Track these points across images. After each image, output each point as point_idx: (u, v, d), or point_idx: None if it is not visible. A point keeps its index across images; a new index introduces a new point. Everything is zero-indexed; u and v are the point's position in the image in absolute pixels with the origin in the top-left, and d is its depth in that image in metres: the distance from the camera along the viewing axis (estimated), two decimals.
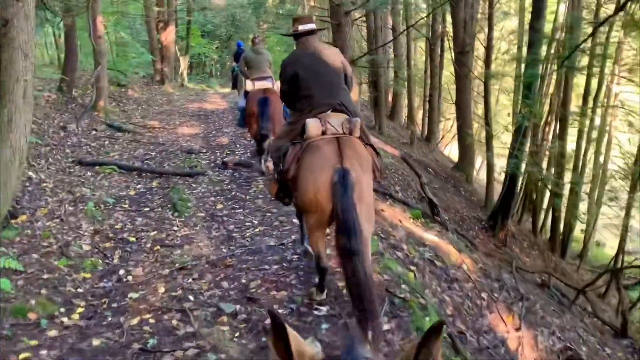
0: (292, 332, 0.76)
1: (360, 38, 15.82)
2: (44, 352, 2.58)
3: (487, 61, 11.89)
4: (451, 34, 12.60)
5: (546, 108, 11.53)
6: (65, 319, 2.89)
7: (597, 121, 12.71)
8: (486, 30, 12.20)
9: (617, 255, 10.56)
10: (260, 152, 6.09)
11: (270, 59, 6.32)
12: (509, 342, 3.35)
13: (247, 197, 5.23)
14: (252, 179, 5.88)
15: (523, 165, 8.64)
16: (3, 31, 3.61)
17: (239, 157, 6.99)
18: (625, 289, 7.77)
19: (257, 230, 4.29)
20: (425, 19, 12.55)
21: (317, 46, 3.04)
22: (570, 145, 11.92)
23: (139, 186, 5.63)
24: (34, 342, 2.64)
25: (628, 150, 11.98)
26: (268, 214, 4.68)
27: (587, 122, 11.75)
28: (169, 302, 3.09)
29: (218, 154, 7.27)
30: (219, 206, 4.99)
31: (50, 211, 4.42)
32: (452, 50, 12.71)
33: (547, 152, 11.59)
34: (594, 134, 12.61)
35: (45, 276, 3.33)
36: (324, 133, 2.76)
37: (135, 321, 2.88)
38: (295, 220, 4.15)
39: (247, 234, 4.22)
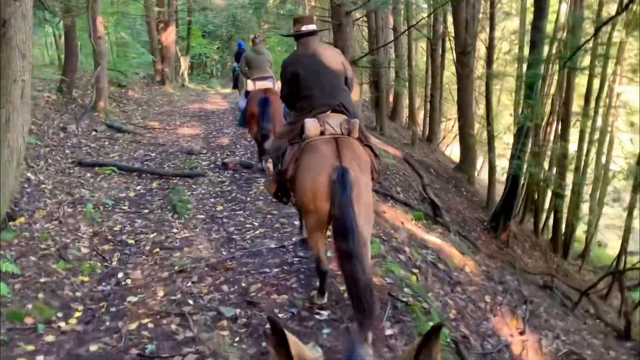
0: (292, 338, 0.77)
1: (361, 38, 15.77)
2: (40, 357, 2.53)
3: (489, 61, 11.84)
4: (452, 34, 12.56)
5: (548, 108, 11.47)
6: (62, 324, 2.85)
7: (599, 121, 12.64)
8: (487, 30, 12.15)
9: (619, 256, 10.50)
10: (261, 152, 6.08)
11: (271, 59, 6.29)
12: (513, 347, 3.30)
13: (248, 199, 5.18)
14: (252, 180, 5.83)
15: (525, 166, 8.59)
16: (1, 31, 3.57)
17: (239, 157, 6.95)
18: (627, 290, 7.72)
19: (257, 232, 4.24)
20: (426, 19, 12.51)
21: (317, 47, 3.03)
22: (572, 145, 11.87)
23: (138, 187, 5.59)
24: (30, 348, 2.60)
25: (630, 150, 11.92)
26: (269, 216, 4.64)
27: (589, 123, 11.69)
28: (168, 306, 3.05)
29: (218, 154, 7.23)
30: (219, 208, 4.95)
31: (48, 213, 4.38)
32: (454, 51, 12.67)
33: (549, 153, 11.55)
34: (596, 135, 12.55)
35: (42, 280, 3.29)
36: (322, 133, 2.76)
37: (133, 326, 2.84)
38: (297, 222, 4.11)
39: (248, 236, 4.17)
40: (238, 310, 2.97)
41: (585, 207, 12.53)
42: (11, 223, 3.94)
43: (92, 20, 8.45)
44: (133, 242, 4.11)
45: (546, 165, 11.41)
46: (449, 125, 20.37)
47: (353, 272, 2.42)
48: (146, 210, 4.85)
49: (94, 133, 7.79)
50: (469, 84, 11.93)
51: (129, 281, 3.41)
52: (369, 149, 2.92)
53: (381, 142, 7.99)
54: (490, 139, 11.09)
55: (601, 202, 12.75)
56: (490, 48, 11.62)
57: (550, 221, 12.34)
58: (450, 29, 13.08)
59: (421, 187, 6.98)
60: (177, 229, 4.37)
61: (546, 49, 9.66)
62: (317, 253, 2.78)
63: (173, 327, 2.83)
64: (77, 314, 2.98)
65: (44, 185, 5.05)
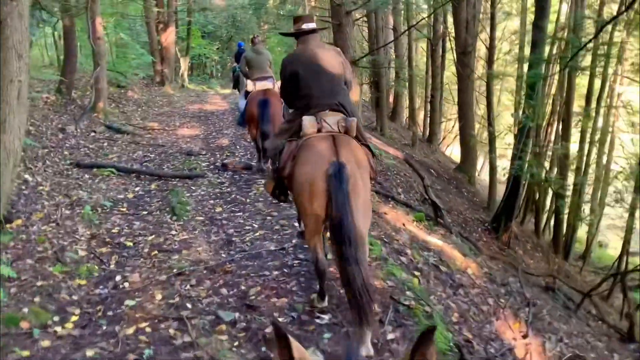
0: (295, 343, 0.79)
1: (361, 38, 15.74)
2: None
3: (490, 61, 11.79)
4: (453, 34, 12.52)
5: (548, 109, 11.43)
6: (58, 328, 2.80)
7: (600, 122, 12.60)
8: (488, 30, 12.11)
9: (620, 256, 10.46)
10: (260, 153, 6.07)
11: (271, 58, 6.27)
12: (517, 350, 3.25)
13: (247, 200, 5.13)
14: (252, 182, 5.79)
15: (526, 166, 8.54)
16: None
17: (239, 158, 6.91)
18: (630, 291, 7.67)
19: (257, 234, 4.19)
20: (426, 19, 12.47)
21: (317, 46, 3.03)
22: (573, 145, 11.82)
23: (137, 189, 5.54)
24: (25, 353, 2.55)
25: (631, 150, 11.87)
26: (268, 218, 4.59)
27: (590, 123, 11.65)
28: (166, 310, 3.00)
29: (218, 155, 7.18)
30: (219, 209, 4.90)
31: (46, 215, 4.33)
32: (454, 51, 12.62)
33: (550, 153, 11.50)
34: (597, 135, 12.51)
35: (39, 283, 3.24)
36: (319, 131, 2.79)
37: (130, 330, 2.79)
38: (297, 224, 4.07)
39: (247, 238, 4.12)
40: (237, 314, 2.92)
41: (586, 208, 12.48)
42: (8, 225, 3.89)
43: (91, 21, 8.40)
44: (131, 244, 4.06)
45: (547, 165, 11.37)
46: (449, 125, 20.32)
47: (348, 269, 2.41)
48: (145, 212, 4.80)
49: (92, 134, 7.74)
50: (470, 84, 11.88)
51: (126, 284, 3.36)
52: (366, 148, 2.93)
53: (382, 142, 7.95)
54: (492, 139, 11.04)
55: (602, 202, 12.70)
56: (491, 48, 11.58)
57: (551, 222, 12.29)
58: (451, 29, 13.04)
59: (422, 188, 6.93)
60: (176, 231, 4.32)
61: (547, 49, 9.61)
62: (314, 251, 2.77)
63: (171, 331, 2.78)
64: (74, 318, 2.93)
65: (41, 187, 5.00)
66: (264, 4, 15.59)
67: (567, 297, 6.82)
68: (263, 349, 2.62)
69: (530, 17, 12.28)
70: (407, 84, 13.62)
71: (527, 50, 12.20)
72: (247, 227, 4.38)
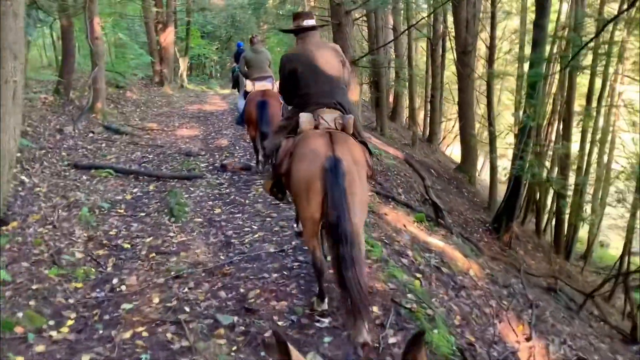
0: (294, 352, 0.81)
1: (361, 38, 15.69)
2: None
3: (490, 60, 11.74)
4: (453, 34, 12.47)
5: (549, 108, 11.38)
6: (54, 333, 2.74)
7: (601, 121, 12.54)
8: (488, 29, 12.06)
9: (622, 256, 10.40)
10: (258, 154, 6.05)
11: (270, 58, 6.23)
12: (520, 353, 3.20)
13: (247, 201, 5.08)
14: (251, 182, 5.73)
15: (527, 166, 8.49)
16: None
17: (238, 159, 6.86)
18: (631, 291, 7.62)
19: (256, 236, 4.14)
20: (426, 18, 12.42)
21: (317, 44, 3.02)
22: (573, 145, 11.77)
23: (135, 190, 5.49)
24: (20, 359, 2.50)
25: (632, 150, 11.82)
26: (268, 219, 4.54)
27: (591, 122, 11.59)
28: (164, 314, 2.94)
29: (217, 156, 7.14)
30: (217, 211, 4.84)
31: (42, 217, 4.28)
32: (454, 50, 12.57)
33: (550, 153, 11.44)
34: (598, 134, 12.45)
35: (34, 286, 3.18)
36: (316, 127, 2.79)
37: (127, 334, 2.73)
38: (295, 225, 4.02)
39: (246, 240, 4.07)
40: (236, 318, 2.86)
41: (587, 208, 12.41)
42: (3, 228, 3.84)
43: (89, 21, 8.35)
44: (129, 246, 4.01)
45: (548, 165, 11.31)
46: (449, 125, 20.27)
47: (344, 267, 2.39)
48: (143, 214, 4.75)
49: (91, 135, 7.69)
50: (470, 84, 11.84)
51: (123, 287, 3.31)
52: (363, 146, 2.92)
53: (382, 142, 7.90)
54: (492, 139, 10.99)
55: (603, 202, 12.64)
56: (491, 47, 11.53)
57: (552, 222, 12.23)
58: (451, 28, 12.99)
59: (423, 189, 6.88)
60: (174, 232, 4.27)
61: (547, 48, 9.55)
62: (313, 250, 2.75)
63: (168, 335, 2.73)
64: (70, 322, 2.88)
65: (38, 189, 4.94)
66: (263, 4, 15.55)
67: (569, 297, 6.78)
68: (262, 353, 2.57)
69: (531, 16, 12.23)
70: (407, 83, 13.57)
71: (527, 50, 12.16)
72: (246, 229, 4.33)
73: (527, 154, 8.09)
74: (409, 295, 3.09)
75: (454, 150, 18.99)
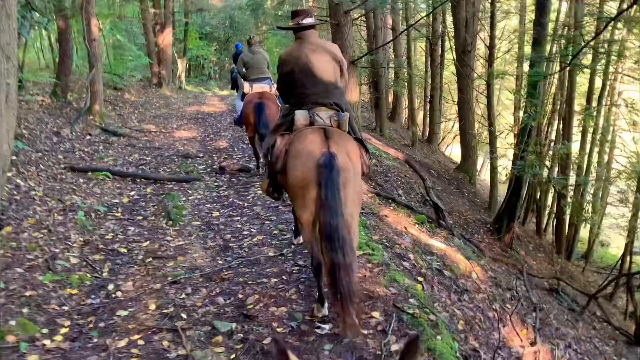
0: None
1: (360, 38, 15.62)
2: None
3: (490, 60, 11.68)
4: (452, 34, 12.40)
5: (549, 107, 11.32)
6: (47, 342, 2.67)
7: (601, 120, 12.49)
8: (487, 28, 12.00)
9: (623, 256, 10.34)
10: (257, 156, 6.00)
11: (268, 59, 6.19)
12: (525, 358, 3.13)
13: (245, 204, 5.01)
14: (250, 185, 5.67)
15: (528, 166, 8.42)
16: None
17: (236, 161, 6.79)
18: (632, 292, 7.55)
19: (255, 239, 4.07)
20: (425, 18, 12.36)
21: (313, 48, 2.97)
22: (573, 145, 11.71)
23: (132, 193, 5.42)
24: None
25: (633, 149, 11.77)
26: (267, 222, 4.47)
27: (592, 122, 11.53)
28: (160, 321, 2.87)
29: (215, 158, 7.07)
30: (216, 214, 4.78)
31: (37, 221, 4.20)
32: (453, 50, 12.51)
33: (550, 153, 11.38)
34: (599, 134, 12.40)
35: (28, 293, 3.11)
36: (311, 124, 2.78)
37: (123, 343, 2.66)
38: (294, 239, 3.95)
39: (245, 244, 4.00)
40: (234, 325, 2.79)
41: (588, 207, 12.35)
42: None
43: (86, 23, 8.28)
44: (125, 250, 3.94)
45: (548, 164, 11.25)
46: (448, 125, 20.22)
47: (334, 263, 2.36)
48: (140, 217, 4.68)
49: (88, 137, 7.62)
50: (470, 84, 11.77)
51: (119, 293, 3.24)
52: (359, 143, 2.91)
53: (382, 144, 7.83)
54: (493, 139, 10.93)
55: (604, 201, 12.58)
56: (491, 47, 11.46)
57: (553, 221, 12.17)
58: (450, 28, 12.93)
59: (423, 190, 6.82)
60: (172, 236, 4.20)
61: (547, 47, 9.49)
62: (310, 247, 2.71)
63: (165, 343, 2.66)
64: (64, 330, 2.81)
65: (34, 192, 4.86)
66: (261, 5, 15.46)
67: (572, 298, 6.71)
68: None
69: (530, 15, 12.19)
70: (406, 84, 13.51)
71: (526, 49, 12.10)
72: (244, 232, 4.26)
73: (528, 154, 8.02)
74: (411, 300, 3.03)
75: (453, 151, 18.94)
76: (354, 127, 2.98)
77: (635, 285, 8.21)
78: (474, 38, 11.48)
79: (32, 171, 5.50)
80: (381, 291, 3.08)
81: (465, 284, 3.85)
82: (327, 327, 2.75)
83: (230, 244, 4.01)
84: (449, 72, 16.17)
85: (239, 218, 4.63)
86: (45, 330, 2.78)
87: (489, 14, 11.64)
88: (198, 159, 7.02)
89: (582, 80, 12.77)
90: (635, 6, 8.49)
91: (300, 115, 2.80)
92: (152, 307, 3.04)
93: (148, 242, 4.07)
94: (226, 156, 7.16)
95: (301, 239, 3.64)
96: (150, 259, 3.75)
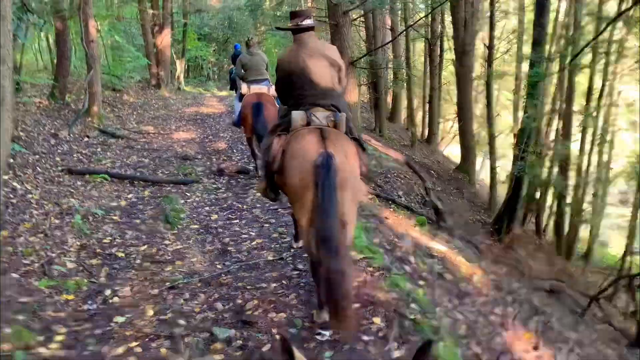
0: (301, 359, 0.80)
1: (359, 39, 15.58)
2: None
3: (489, 60, 11.65)
4: (451, 34, 12.38)
5: (548, 107, 11.30)
6: (42, 350, 2.62)
7: (601, 120, 12.48)
8: (486, 29, 11.97)
9: (624, 256, 10.32)
10: (256, 157, 5.96)
11: (267, 60, 6.15)
12: None
13: (244, 207, 4.97)
14: (249, 187, 5.63)
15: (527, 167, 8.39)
16: None
17: (235, 162, 6.75)
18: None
19: (254, 243, 4.03)
20: (424, 19, 12.33)
21: (312, 49, 2.94)
22: (573, 145, 11.68)
23: (130, 196, 5.38)
24: None
25: (632, 149, 11.76)
26: (266, 225, 4.43)
27: (591, 122, 11.52)
28: (158, 327, 2.83)
29: (214, 159, 7.03)
30: (214, 217, 4.73)
31: (34, 225, 4.15)
32: (453, 50, 12.48)
33: (549, 153, 11.36)
34: (598, 133, 12.38)
35: (23, 299, 3.06)
36: (308, 124, 2.76)
37: (120, 350, 2.61)
38: (294, 242, 3.91)
39: (244, 248, 3.96)
40: (233, 331, 2.75)
41: (588, 207, 12.34)
42: None
43: (84, 24, 8.24)
44: (123, 255, 3.89)
45: (547, 165, 11.23)
46: (447, 125, 20.18)
47: (327, 262, 2.35)
48: (137, 221, 4.63)
49: (86, 139, 7.57)
50: (469, 84, 11.75)
51: (116, 299, 3.19)
52: (357, 142, 2.88)
53: (381, 145, 7.80)
54: (492, 140, 10.90)
55: (603, 202, 12.58)
56: (490, 47, 11.44)
57: (552, 221, 12.15)
58: (449, 28, 12.91)
59: (423, 191, 6.78)
60: (170, 240, 4.16)
61: (547, 47, 9.47)
62: (309, 249, 2.66)
63: (162, 350, 2.61)
64: (60, 338, 2.75)
65: (30, 195, 4.82)
66: (260, 6, 15.42)
67: (573, 300, 6.68)
68: None
69: (529, 15, 12.17)
70: (405, 84, 13.47)
71: (525, 49, 12.08)
72: (243, 236, 4.22)
73: (528, 154, 8.00)
74: (413, 305, 2.99)
75: (452, 151, 18.90)
76: (351, 128, 2.95)
77: (636, 285, 8.19)
78: (473, 38, 11.46)
79: (29, 174, 5.45)
80: (382, 296, 3.04)
81: (467, 287, 3.81)
82: (327, 333, 2.70)
83: (229, 248, 3.97)
84: (448, 72, 16.15)
85: (237, 221, 4.59)
86: (40, 338, 2.73)
87: (488, 14, 11.62)
88: (196, 160, 6.98)
89: (581, 80, 12.75)
90: (635, 6, 8.47)
91: (297, 116, 2.78)
92: (150, 313, 2.99)
93: (146, 246, 4.03)
94: (225, 158, 7.12)
95: (301, 243, 3.61)
96: (148, 263, 3.71)
